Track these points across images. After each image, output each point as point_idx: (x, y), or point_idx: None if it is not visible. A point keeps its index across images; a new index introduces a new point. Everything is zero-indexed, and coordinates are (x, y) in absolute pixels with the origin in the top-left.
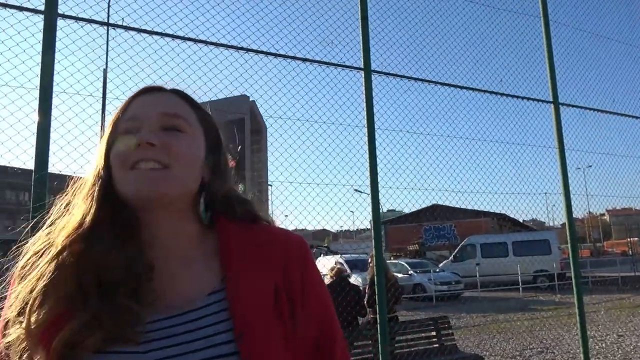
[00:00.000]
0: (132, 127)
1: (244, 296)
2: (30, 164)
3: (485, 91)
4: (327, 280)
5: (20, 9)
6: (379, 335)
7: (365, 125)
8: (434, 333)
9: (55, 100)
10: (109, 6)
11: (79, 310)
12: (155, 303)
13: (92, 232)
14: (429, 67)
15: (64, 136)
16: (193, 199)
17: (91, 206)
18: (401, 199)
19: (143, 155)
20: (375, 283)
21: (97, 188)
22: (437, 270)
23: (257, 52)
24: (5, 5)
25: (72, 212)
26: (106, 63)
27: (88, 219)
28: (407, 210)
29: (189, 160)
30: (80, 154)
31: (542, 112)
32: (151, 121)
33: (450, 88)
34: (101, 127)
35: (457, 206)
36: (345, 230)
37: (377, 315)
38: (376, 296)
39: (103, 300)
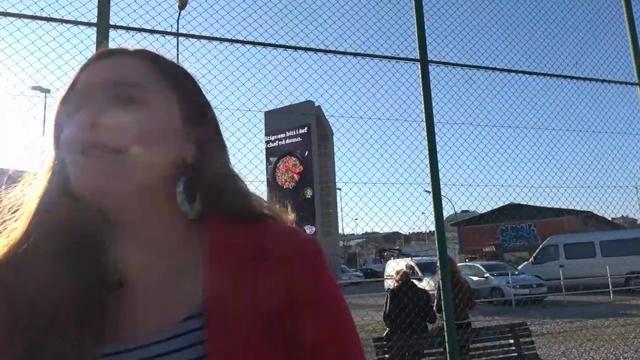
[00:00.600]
0: (80, 103)
1: (228, 328)
2: None
3: (558, 76)
4: (392, 284)
5: (75, 23)
6: (446, 343)
7: (424, 119)
8: (511, 341)
9: None
10: (179, 17)
11: (14, 343)
12: (118, 329)
13: (40, 239)
14: (492, 54)
15: None
16: (172, 188)
17: (40, 205)
18: (467, 197)
19: (88, 141)
20: (440, 287)
21: (47, 181)
22: (516, 272)
23: (305, 49)
24: (62, 21)
25: (18, 214)
26: None
27: (36, 221)
28: (481, 211)
29: (151, 139)
30: None
31: (627, 95)
32: (101, 94)
33: (517, 75)
34: None
35: (536, 204)
36: (417, 232)
37: (444, 322)
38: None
39: (45, 330)
